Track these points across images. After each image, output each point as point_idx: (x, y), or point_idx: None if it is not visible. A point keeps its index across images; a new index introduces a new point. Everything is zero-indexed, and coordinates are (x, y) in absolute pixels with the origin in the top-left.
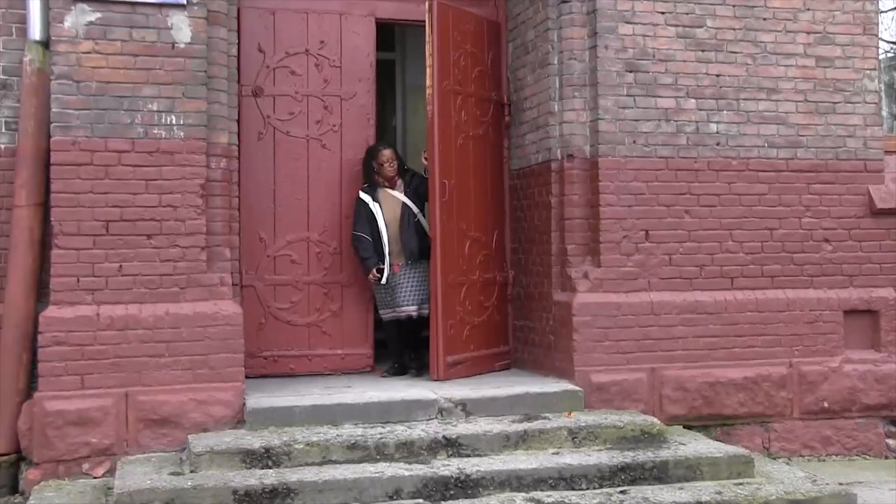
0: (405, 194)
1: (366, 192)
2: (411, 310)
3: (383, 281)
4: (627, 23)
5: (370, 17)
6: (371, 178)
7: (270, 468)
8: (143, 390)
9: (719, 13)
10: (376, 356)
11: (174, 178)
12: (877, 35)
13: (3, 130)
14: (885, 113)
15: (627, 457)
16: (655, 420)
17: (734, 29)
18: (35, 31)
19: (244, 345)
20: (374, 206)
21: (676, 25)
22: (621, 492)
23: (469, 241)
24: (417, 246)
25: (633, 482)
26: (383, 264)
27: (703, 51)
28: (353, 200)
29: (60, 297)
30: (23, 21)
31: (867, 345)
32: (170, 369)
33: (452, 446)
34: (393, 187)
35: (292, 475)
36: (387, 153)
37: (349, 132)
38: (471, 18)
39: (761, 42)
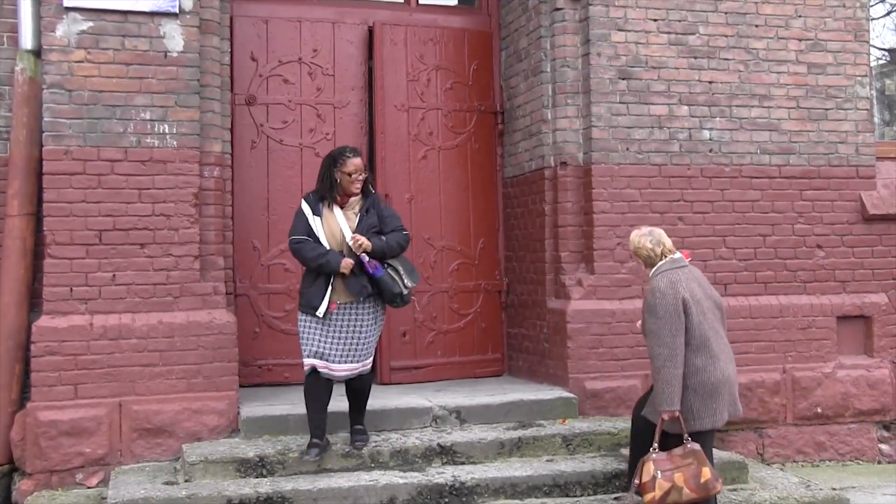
0: (357, 221)
1: (308, 203)
2: (347, 369)
3: (320, 313)
4: (620, 30)
5: (363, 26)
6: (325, 188)
7: (265, 477)
8: (136, 400)
9: (711, 20)
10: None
11: (167, 187)
12: (868, 42)
13: None
14: (876, 119)
15: (622, 464)
16: None
17: (726, 36)
18: (27, 40)
19: (238, 354)
20: (315, 222)
21: (669, 32)
22: (615, 498)
23: (436, 250)
24: (363, 283)
25: (627, 489)
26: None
27: (695, 58)
28: None
29: (53, 306)
30: (14, 30)
31: (860, 350)
32: (163, 378)
33: (447, 454)
34: (343, 206)
35: (287, 484)
36: (356, 162)
37: (342, 141)
38: (440, 33)
39: (753, 49)
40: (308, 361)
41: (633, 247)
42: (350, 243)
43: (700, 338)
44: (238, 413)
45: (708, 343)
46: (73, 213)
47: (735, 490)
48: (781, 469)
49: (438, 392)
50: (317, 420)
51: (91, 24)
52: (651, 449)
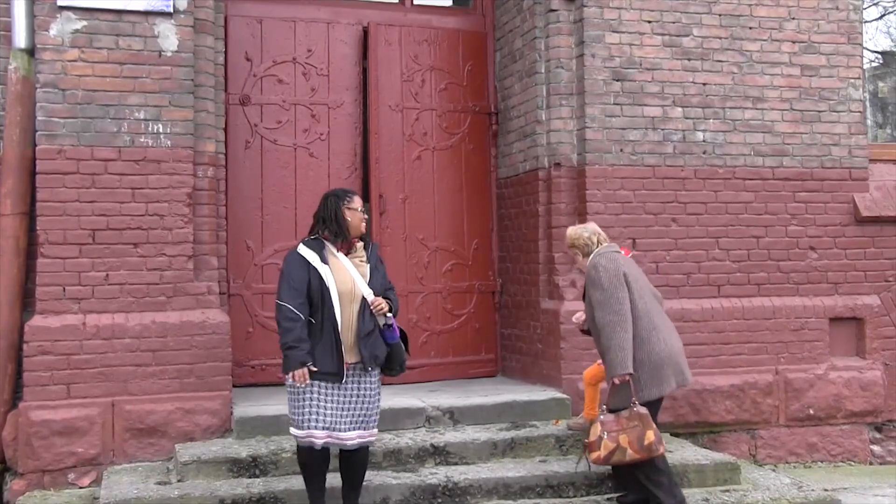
0: (368, 273)
1: (312, 249)
2: (357, 436)
3: (337, 379)
4: (614, 31)
5: (357, 26)
6: (333, 230)
7: (258, 477)
8: (129, 399)
9: (705, 22)
10: None
11: (161, 187)
12: (861, 44)
13: None
14: (869, 122)
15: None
16: None
17: (720, 38)
18: (20, 39)
19: (231, 354)
20: (325, 271)
21: (663, 34)
22: (608, 499)
23: (429, 251)
24: (383, 348)
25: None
26: (312, 362)
27: (689, 59)
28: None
29: (46, 306)
30: (7, 29)
31: (852, 352)
32: (156, 378)
33: (440, 454)
34: (348, 252)
35: (280, 484)
36: (359, 198)
37: (337, 141)
38: (435, 33)
39: (747, 51)
40: (309, 434)
41: (569, 240)
42: (372, 306)
43: (642, 310)
44: (231, 413)
45: (650, 316)
46: (67, 213)
47: (727, 491)
48: (774, 470)
49: (432, 392)
50: (318, 498)
51: (85, 23)
52: (600, 411)
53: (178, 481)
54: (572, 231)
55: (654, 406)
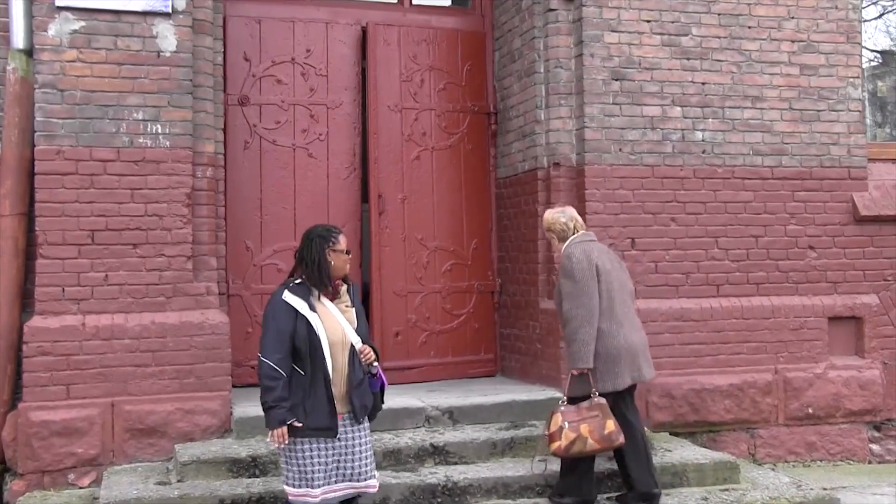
0: (355, 318)
1: (298, 296)
2: (374, 485)
3: (333, 434)
4: (613, 31)
5: (356, 26)
6: (316, 276)
7: (258, 477)
8: (129, 400)
9: (704, 21)
10: None
11: (160, 187)
12: (860, 43)
13: None
14: (868, 121)
15: (614, 464)
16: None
17: (719, 37)
18: (18, 40)
19: (231, 354)
20: (314, 320)
21: (662, 34)
22: (608, 498)
23: (429, 251)
24: (370, 397)
25: (620, 488)
26: (295, 418)
27: (688, 59)
28: (340, 210)
29: (45, 306)
30: (6, 29)
31: (851, 351)
32: (156, 379)
33: (439, 454)
34: (333, 298)
35: (279, 484)
36: (344, 238)
37: (335, 141)
38: (434, 33)
39: (746, 50)
40: (306, 494)
41: (546, 224)
42: (361, 355)
43: (606, 303)
44: (231, 413)
45: (613, 310)
46: (66, 213)
47: (726, 490)
48: (773, 469)
49: (431, 392)
50: None
51: (83, 23)
52: (560, 402)
53: (178, 481)
54: (549, 215)
55: (609, 399)
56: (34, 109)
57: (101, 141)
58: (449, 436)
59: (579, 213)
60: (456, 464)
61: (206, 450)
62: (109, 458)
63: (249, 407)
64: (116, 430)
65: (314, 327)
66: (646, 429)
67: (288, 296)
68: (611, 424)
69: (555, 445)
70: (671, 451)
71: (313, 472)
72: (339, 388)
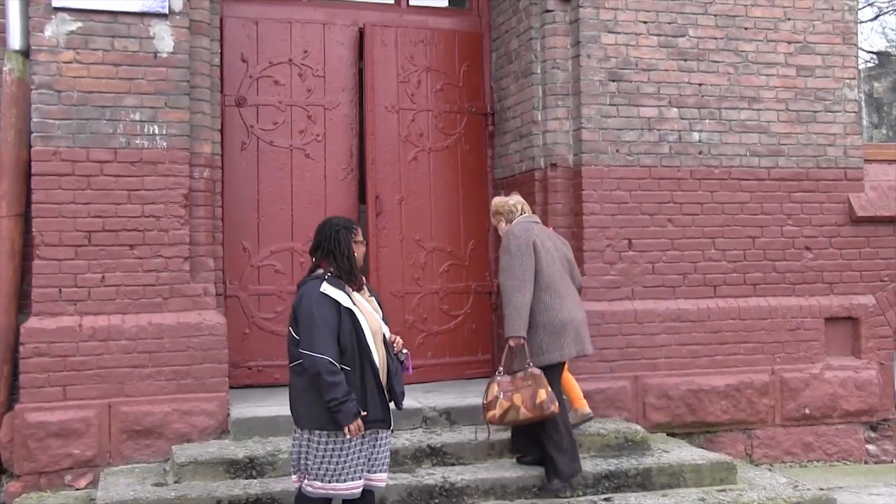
0: (380, 308)
1: (338, 287)
2: (384, 477)
3: (387, 425)
4: (610, 32)
5: (353, 27)
6: (346, 267)
7: (255, 478)
8: (125, 401)
9: (701, 23)
10: None
11: (157, 188)
12: (856, 45)
13: None
14: (864, 122)
15: (611, 464)
16: (639, 428)
17: (716, 38)
18: (15, 41)
19: (228, 355)
20: (357, 312)
21: (659, 35)
22: (605, 499)
23: (426, 252)
24: (403, 384)
25: (616, 489)
26: (364, 410)
27: (685, 60)
28: (337, 211)
29: (42, 307)
30: (2, 30)
31: (847, 352)
32: (153, 380)
33: (437, 455)
34: (360, 289)
35: (276, 485)
36: (360, 231)
37: (333, 142)
38: (431, 34)
39: (743, 51)
40: (352, 487)
41: (494, 208)
42: (394, 344)
43: (548, 278)
44: (228, 414)
45: (555, 284)
46: (62, 214)
47: (723, 490)
48: (769, 469)
49: (428, 393)
50: None
51: (80, 24)
52: (497, 372)
53: (175, 482)
54: (497, 200)
55: (554, 370)
56: (31, 110)
57: (98, 142)
58: (446, 437)
59: (576, 214)
60: (453, 465)
61: (204, 451)
62: (106, 460)
63: (246, 408)
64: (113, 431)
65: (359, 320)
66: (643, 429)
67: (328, 288)
68: (542, 394)
69: (489, 414)
70: (668, 452)
71: (354, 465)
72: (382, 379)
